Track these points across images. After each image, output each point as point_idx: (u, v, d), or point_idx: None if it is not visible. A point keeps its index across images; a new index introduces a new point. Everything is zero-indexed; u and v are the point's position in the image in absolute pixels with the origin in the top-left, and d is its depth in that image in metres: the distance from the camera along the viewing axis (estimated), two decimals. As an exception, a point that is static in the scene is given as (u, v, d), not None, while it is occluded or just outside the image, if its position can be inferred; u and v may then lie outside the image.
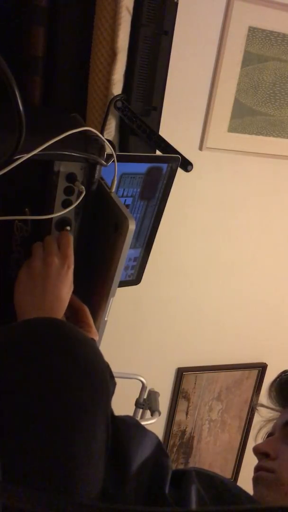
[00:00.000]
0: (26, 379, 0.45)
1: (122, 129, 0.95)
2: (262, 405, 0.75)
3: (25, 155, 0.58)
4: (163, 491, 0.47)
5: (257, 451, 0.65)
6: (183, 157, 0.86)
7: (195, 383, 1.73)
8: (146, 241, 0.95)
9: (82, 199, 0.69)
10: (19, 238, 0.72)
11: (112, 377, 0.65)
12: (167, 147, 0.86)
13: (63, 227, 0.72)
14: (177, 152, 0.87)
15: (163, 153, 0.89)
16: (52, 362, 0.46)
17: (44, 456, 0.41)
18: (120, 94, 0.89)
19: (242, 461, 1.98)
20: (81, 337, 0.51)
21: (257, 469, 0.63)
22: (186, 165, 0.84)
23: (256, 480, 0.62)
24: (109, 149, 0.69)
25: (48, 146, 0.60)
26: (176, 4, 0.91)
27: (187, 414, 1.79)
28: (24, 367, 0.46)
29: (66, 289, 0.67)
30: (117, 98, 0.89)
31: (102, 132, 0.89)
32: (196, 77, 1.26)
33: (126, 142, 0.95)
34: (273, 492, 0.58)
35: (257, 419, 1.97)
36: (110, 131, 0.92)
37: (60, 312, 0.66)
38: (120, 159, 0.73)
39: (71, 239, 0.71)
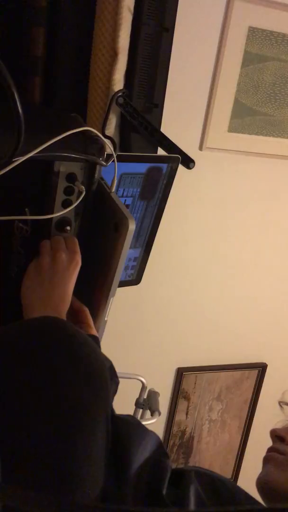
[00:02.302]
0: (26, 379, 0.45)
1: (123, 126, 0.95)
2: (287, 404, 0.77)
3: (25, 155, 0.58)
4: (161, 491, 0.47)
5: (274, 433, 0.67)
6: (185, 155, 0.86)
7: (195, 383, 1.73)
8: (146, 241, 0.95)
9: (82, 199, 0.69)
10: (19, 238, 0.72)
11: (114, 375, 0.66)
12: (169, 145, 0.86)
13: (63, 227, 0.72)
14: (179, 150, 0.87)
15: (165, 151, 0.89)
16: (52, 362, 0.46)
17: (44, 456, 0.41)
18: (121, 90, 0.89)
19: (242, 461, 1.98)
20: (82, 337, 0.51)
21: (270, 449, 0.65)
22: (188, 162, 0.84)
23: (266, 459, 0.64)
24: (109, 149, 0.69)
25: (48, 146, 0.60)
26: (177, 0, 0.91)
27: (187, 414, 1.79)
28: (24, 367, 0.46)
29: (72, 286, 0.68)
30: (119, 94, 0.88)
31: (103, 129, 0.89)
32: (196, 77, 1.26)
33: (128, 139, 0.95)
34: (281, 472, 0.60)
35: (257, 419, 1.96)
36: (111, 129, 0.92)
37: (65, 308, 0.67)
38: (120, 159, 0.73)
39: (76, 239, 0.72)
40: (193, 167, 0.83)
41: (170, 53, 0.95)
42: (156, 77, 0.95)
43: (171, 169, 0.85)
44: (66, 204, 0.71)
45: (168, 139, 0.86)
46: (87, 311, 0.75)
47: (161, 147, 0.88)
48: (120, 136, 0.96)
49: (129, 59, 0.91)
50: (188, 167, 0.83)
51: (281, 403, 0.77)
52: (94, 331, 0.74)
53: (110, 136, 0.89)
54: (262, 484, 0.61)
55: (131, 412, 1.38)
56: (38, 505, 0.24)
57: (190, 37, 1.21)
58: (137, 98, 0.94)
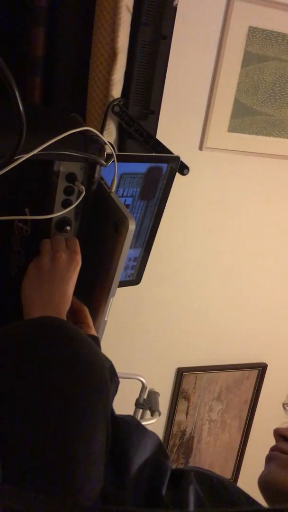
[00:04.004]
0: (26, 379, 0.45)
1: (119, 133, 0.95)
2: None
3: (25, 155, 0.58)
4: (160, 492, 0.47)
5: (277, 432, 0.67)
6: (180, 161, 0.86)
7: (195, 383, 1.73)
8: (146, 241, 0.95)
9: (82, 199, 0.69)
10: (19, 238, 0.72)
11: (114, 375, 0.66)
12: (163, 151, 0.86)
13: (63, 227, 0.72)
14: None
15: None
16: (51, 363, 0.46)
17: (44, 456, 0.41)
18: (118, 98, 0.89)
19: (242, 461, 1.98)
20: (81, 337, 0.51)
21: (273, 448, 0.65)
22: (183, 168, 0.84)
23: (269, 458, 0.64)
24: (109, 149, 0.69)
25: (48, 146, 0.60)
26: (175, 8, 0.91)
27: (187, 414, 1.79)
28: (24, 368, 0.46)
29: (72, 286, 0.68)
30: (115, 103, 0.89)
31: (101, 134, 0.89)
32: (196, 77, 1.26)
33: (124, 146, 0.95)
34: (284, 471, 0.60)
35: (257, 419, 1.96)
36: (110, 133, 0.92)
37: (65, 308, 0.67)
38: (120, 159, 0.73)
39: (76, 239, 0.72)
40: (187, 173, 0.83)
41: (167, 61, 0.95)
42: (153, 84, 0.95)
43: (171, 169, 0.85)
44: (66, 204, 0.71)
45: (163, 145, 0.86)
46: (86, 311, 0.75)
47: (156, 153, 0.88)
48: (117, 142, 0.96)
49: (127, 65, 0.91)
50: (182, 173, 0.84)
51: (285, 405, 0.77)
52: (93, 331, 0.74)
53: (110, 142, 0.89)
54: (264, 483, 0.61)
55: (131, 412, 1.38)
56: (38, 506, 0.24)
57: (190, 37, 1.21)
58: (133, 105, 0.94)
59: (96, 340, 0.72)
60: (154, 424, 1.22)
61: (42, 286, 0.67)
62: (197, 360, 1.70)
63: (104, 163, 0.69)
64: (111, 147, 0.70)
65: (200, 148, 1.34)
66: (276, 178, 1.49)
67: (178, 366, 1.68)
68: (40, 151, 0.59)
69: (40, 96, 0.93)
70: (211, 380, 1.75)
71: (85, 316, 0.74)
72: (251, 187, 1.47)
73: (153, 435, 0.54)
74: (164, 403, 1.70)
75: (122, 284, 0.95)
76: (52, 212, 0.70)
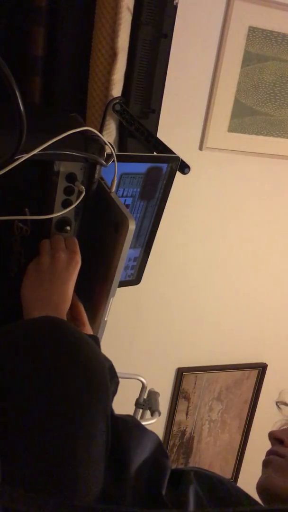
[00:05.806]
0: (26, 379, 0.45)
1: (120, 132, 0.95)
2: (286, 404, 0.76)
3: (25, 155, 0.58)
4: (160, 492, 0.47)
5: (272, 435, 0.67)
6: (180, 160, 0.86)
7: (195, 383, 1.73)
8: (146, 241, 0.95)
9: (82, 199, 0.69)
10: (19, 238, 0.72)
11: (114, 375, 0.66)
12: (164, 150, 0.86)
13: (63, 227, 0.72)
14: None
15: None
16: (51, 363, 0.46)
17: (43, 456, 0.41)
18: (118, 97, 0.89)
19: (242, 461, 1.98)
20: (81, 337, 0.51)
21: (269, 453, 0.65)
22: (184, 167, 0.84)
23: (266, 462, 0.64)
24: (109, 149, 0.69)
25: (48, 146, 0.60)
26: (176, 6, 0.91)
27: (187, 414, 1.79)
28: (24, 368, 0.46)
29: (72, 285, 0.68)
30: (116, 101, 0.89)
31: (101, 134, 0.89)
32: (196, 77, 1.26)
33: (124, 144, 0.95)
34: (280, 475, 0.60)
35: (257, 419, 1.96)
36: (110, 133, 0.92)
37: (65, 308, 0.67)
38: (120, 159, 0.73)
39: (76, 239, 0.72)
40: (188, 172, 0.83)
41: (168, 60, 0.95)
42: (154, 83, 0.95)
43: (171, 169, 0.85)
44: (66, 204, 0.71)
45: (164, 144, 0.86)
46: (81, 306, 0.75)
47: (157, 152, 0.88)
48: (118, 140, 0.96)
49: (127, 63, 0.91)
50: (183, 173, 0.84)
51: (278, 403, 0.77)
52: (88, 328, 0.74)
53: (110, 142, 0.89)
54: (263, 488, 0.60)
55: (131, 412, 1.38)
56: (38, 506, 0.24)
57: (190, 37, 1.21)
58: (134, 104, 0.94)
59: (96, 340, 0.72)
60: (154, 424, 1.22)
61: (41, 286, 0.67)
62: (197, 360, 1.70)
63: (104, 163, 0.69)
64: (111, 147, 0.70)
65: (200, 148, 1.34)
66: (276, 178, 1.49)
67: (178, 366, 1.68)
68: (40, 151, 0.59)
69: (40, 96, 0.93)
70: (211, 380, 1.75)
71: (79, 312, 0.74)
72: (251, 187, 1.47)
73: (153, 435, 0.54)
74: (164, 403, 1.70)
75: (122, 284, 0.95)
76: (52, 212, 0.70)
